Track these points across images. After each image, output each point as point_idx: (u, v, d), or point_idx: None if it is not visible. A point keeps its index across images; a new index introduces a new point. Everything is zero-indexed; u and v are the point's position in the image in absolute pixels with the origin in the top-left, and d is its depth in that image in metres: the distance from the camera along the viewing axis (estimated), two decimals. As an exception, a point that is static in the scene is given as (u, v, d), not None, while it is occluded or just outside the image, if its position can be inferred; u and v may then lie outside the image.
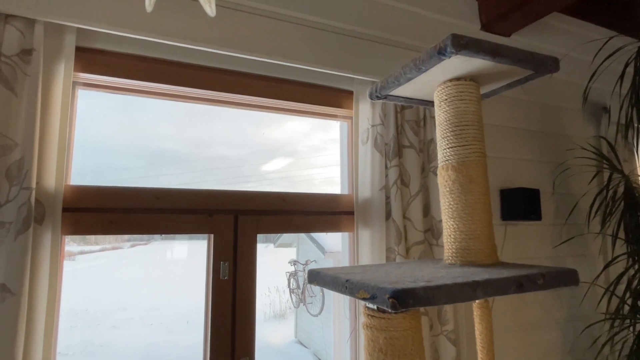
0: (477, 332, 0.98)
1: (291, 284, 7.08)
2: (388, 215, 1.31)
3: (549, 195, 1.73)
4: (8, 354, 0.82)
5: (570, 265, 1.72)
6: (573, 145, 1.82)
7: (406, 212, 1.33)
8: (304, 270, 6.63)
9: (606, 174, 1.77)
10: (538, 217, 1.54)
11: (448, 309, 1.32)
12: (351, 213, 1.33)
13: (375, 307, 0.76)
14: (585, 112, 1.90)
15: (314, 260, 6.45)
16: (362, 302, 0.82)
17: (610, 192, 1.60)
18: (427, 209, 1.39)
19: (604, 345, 1.56)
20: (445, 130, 0.93)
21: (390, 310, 0.74)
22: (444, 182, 0.93)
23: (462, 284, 0.65)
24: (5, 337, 0.82)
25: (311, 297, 6.26)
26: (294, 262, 7.02)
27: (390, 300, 0.59)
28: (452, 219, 0.90)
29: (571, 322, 1.69)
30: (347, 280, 0.75)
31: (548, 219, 1.70)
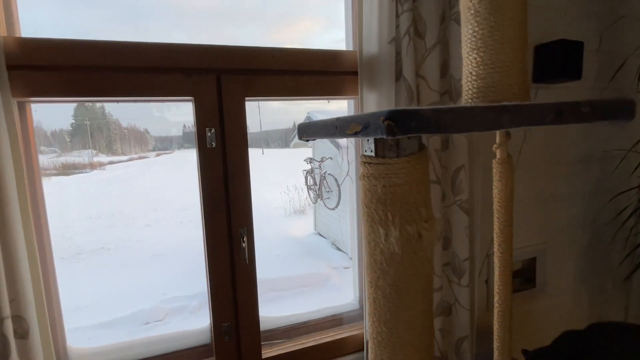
0: (495, 191, 0.86)
1: (308, 181, 7.23)
2: (398, 74, 1.12)
3: (592, 53, 1.46)
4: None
5: (606, 133, 1.54)
6: (632, -11, 1.47)
7: (420, 69, 1.13)
8: (320, 167, 6.68)
9: (669, 23, 1.46)
10: (578, 75, 1.31)
11: (463, 178, 1.21)
12: (355, 73, 1.14)
13: (373, 153, 0.64)
14: (655, -56, 1.50)
15: (330, 157, 6.44)
16: (361, 152, 0.69)
17: (672, 42, 1.33)
18: (446, 68, 1.18)
19: (630, 216, 1.46)
20: None
21: (388, 153, 0.62)
22: (467, 3, 0.72)
23: (485, 108, 0.50)
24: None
25: (328, 192, 6.41)
26: (310, 160, 7.04)
27: (386, 123, 0.45)
28: (475, 51, 0.71)
29: (597, 194, 1.57)
30: (337, 119, 0.61)
31: (588, 81, 1.46)
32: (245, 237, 1.07)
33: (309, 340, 1.23)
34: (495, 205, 0.86)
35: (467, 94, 0.73)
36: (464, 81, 0.75)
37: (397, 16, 1.09)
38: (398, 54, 1.11)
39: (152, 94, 0.95)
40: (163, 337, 1.13)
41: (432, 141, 1.15)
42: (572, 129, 1.48)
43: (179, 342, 1.13)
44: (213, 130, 1.00)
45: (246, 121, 1.04)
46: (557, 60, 1.29)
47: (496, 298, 0.89)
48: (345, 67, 1.14)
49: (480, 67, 0.70)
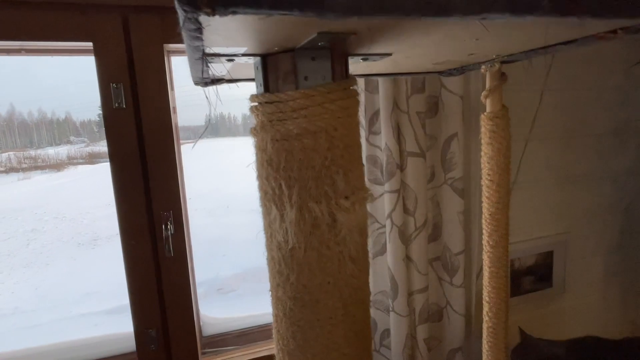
0: (483, 159, 0.61)
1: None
2: None
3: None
4: None
5: (649, 96, 1.23)
6: None
7: None
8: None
9: None
10: None
11: (456, 150, 0.95)
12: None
13: (262, 87, 0.40)
14: None
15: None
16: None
17: None
18: None
19: (678, 200, 1.16)
20: None
21: (282, 84, 0.38)
22: None
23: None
24: None
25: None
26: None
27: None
28: None
29: (634, 174, 1.27)
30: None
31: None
32: (170, 223, 0.85)
33: (262, 349, 1.01)
34: (484, 180, 0.60)
35: None
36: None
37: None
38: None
39: (33, 36, 0.73)
40: (81, 343, 0.94)
41: (414, 102, 0.89)
42: (604, 90, 1.18)
43: (102, 349, 0.94)
44: (121, 86, 0.78)
45: (167, 75, 0.82)
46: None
47: (485, 309, 0.64)
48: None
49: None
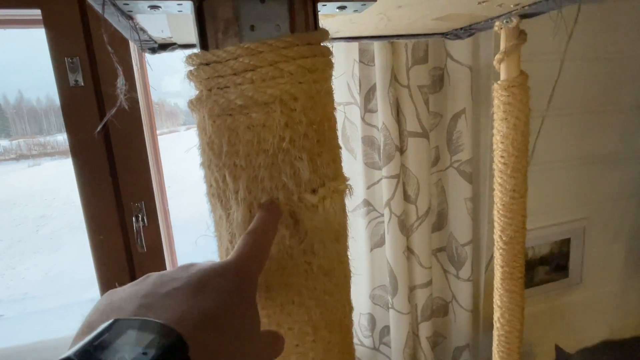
0: (496, 138, 0.50)
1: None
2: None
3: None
4: None
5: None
6: None
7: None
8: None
9: None
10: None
11: (463, 129, 0.84)
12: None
13: (200, 43, 0.30)
14: None
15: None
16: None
17: None
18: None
19: None
20: None
21: (223, 37, 0.27)
22: None
23: None
24: None
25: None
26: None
27: None
28: None
29: (662, 153, 1.14)
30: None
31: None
32: (142, 215, 0.76)
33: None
34: (496, 163, 0.50)
35: None
36: None
37: None
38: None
39: (-28, 4, 0.63)
40: (46, 345, 0.87)
41: (416, 74, 0.78)
42: (634, 59, 1.04)
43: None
44: (77, 60, 0.68)
45: (130, 43, 0.71)
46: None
47: (497, 314, 0.55)
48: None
49: None
